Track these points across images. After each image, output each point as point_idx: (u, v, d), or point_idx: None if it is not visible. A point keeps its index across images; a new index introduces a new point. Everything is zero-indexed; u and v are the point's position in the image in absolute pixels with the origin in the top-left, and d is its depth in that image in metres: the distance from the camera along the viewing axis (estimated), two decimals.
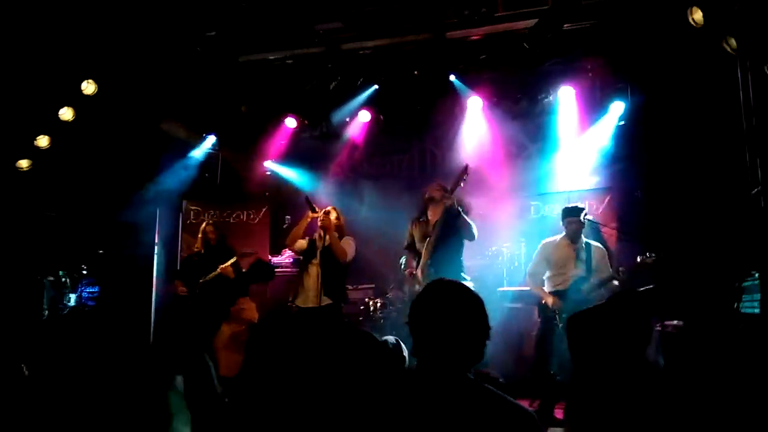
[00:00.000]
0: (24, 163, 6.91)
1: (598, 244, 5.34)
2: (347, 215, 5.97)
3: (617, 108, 6.85)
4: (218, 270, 5.92)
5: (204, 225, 6.34)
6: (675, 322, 4.95)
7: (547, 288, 5.27)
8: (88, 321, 6.87)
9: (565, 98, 7.15)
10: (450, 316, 1.67)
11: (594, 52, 6.69)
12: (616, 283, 5.05)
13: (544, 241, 5.44)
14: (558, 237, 5.36)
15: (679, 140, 6.07)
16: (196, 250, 6.28)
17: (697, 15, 5.03)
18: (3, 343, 5.35)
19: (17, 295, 6.49)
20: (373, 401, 1.60)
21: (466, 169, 5.08)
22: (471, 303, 1.72)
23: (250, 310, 6.83)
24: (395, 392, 1.62)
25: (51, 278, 6.92)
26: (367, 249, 6.20)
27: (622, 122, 6.79)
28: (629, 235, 5.80)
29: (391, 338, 2.67)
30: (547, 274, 5.31)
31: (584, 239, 5.27)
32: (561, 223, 5.39)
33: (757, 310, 4.28)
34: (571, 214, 5.27)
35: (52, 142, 6.93)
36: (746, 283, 4.70)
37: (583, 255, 5.16)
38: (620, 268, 5.20)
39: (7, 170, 6.79)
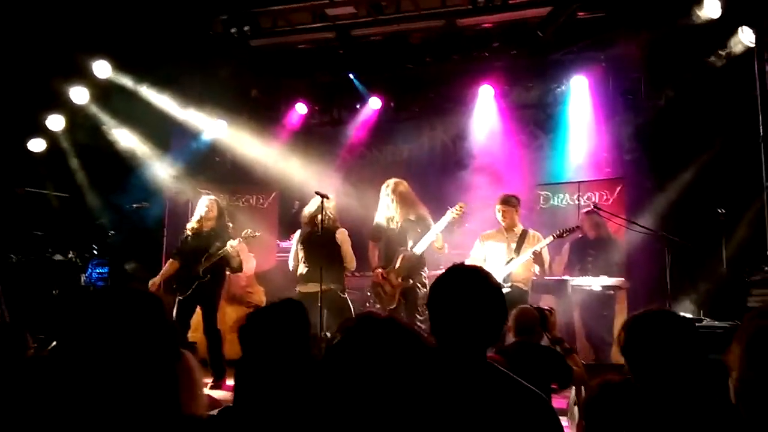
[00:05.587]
0: (37, 145, 6.94)
1: (537, 234, 5.33)
2: (356, 203, 5.96)
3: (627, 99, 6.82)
4: (227, 248, 5.45)
5: (209, 200, 5.74)
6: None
7: None
8: (97, 301, 6.91)
9: (578, 88, 7.09)
10: (470, 300, 1.70)
11: (607, 41, 6.62)
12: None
13: (482, 233, 5.53)
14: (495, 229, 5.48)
15: (692, 131, 6.03)
16: (189, 230, 5.71)
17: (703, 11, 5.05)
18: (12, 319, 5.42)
19: (28, 273, 6.54)
20: (393, 382, 1.61)
21: (460, 208, 5.13)
22: (490, 288, 1.76)
23: (257, 293, 6.84)
24: (415, 372, 1.63)
25: (60, 257, 6.96)
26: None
27: (633, 113, 6.75)
28: (640, 226, 5.76)
29: None
30: (486, 263, 5.33)
31: (521, 227, 5.34)
32: None
33: None
34: (500, 202, 5.37)
35: (64, 124, 6.98)
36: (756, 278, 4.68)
37: (515, 241, 5.21)
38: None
39: (20, 151, 6.83)
